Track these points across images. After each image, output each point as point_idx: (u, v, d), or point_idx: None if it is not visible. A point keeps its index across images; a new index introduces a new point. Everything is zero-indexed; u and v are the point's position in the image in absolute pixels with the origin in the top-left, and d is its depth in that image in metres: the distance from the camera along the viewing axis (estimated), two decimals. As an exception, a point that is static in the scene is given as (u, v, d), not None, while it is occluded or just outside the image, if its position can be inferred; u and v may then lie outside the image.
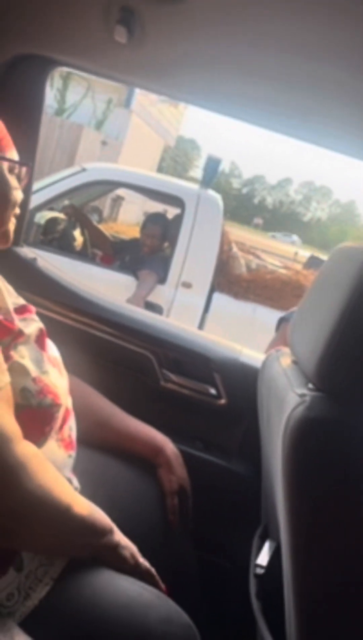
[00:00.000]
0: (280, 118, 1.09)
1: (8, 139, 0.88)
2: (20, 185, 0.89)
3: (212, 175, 3.68)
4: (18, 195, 0.89)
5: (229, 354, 1.40)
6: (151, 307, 3.36)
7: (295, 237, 39.86)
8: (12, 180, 0.87)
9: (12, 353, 0.79)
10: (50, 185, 3.40)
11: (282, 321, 2.47)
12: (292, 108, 1.05)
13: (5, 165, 0.86)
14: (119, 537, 0.86)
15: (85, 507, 0.80)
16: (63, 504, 0.75)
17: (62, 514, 0.75)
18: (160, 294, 3.48)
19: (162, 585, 0.89)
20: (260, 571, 0.95)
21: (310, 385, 0.81)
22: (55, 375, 0.86)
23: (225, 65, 0.96)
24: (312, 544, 0.75)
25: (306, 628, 0.77)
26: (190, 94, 1.14)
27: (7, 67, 1.17)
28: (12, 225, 0.89)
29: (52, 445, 0.84)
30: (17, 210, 0.90)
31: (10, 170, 0.87)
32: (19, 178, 0.89)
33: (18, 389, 0.77)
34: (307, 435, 0.72)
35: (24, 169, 0.90)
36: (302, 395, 0.76)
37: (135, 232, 5.52)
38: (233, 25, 0.82)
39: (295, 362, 0.96)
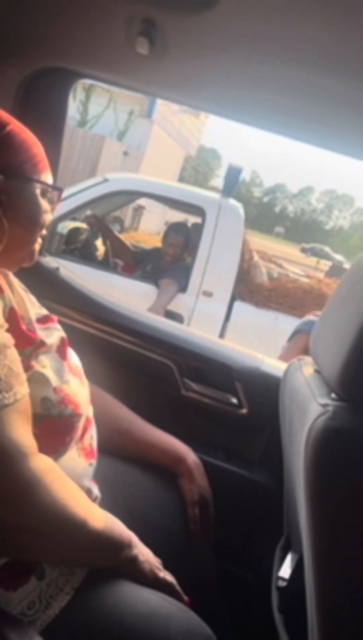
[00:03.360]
0: (301, 126, 1.09)
1: (45, 163, 0.88)
2: (51, 208, 0.90)
3: (233, 184, 3.69)
4: (48, 218, 0.89)
5: (251, 362, 1.39)
6: (172, 316, 3.37)
7: (327, 249, 37.09)
8: (44, 204, 0.87)
9: (34, 363, 0.79)
10: (73, 195, 3.44)
11: (296, 333, 2.44)
12: (311, 116, 1.05)
13: (39, 188, 0.87)
14: (139, 550, 0.86)
15: (102, 521, 0.80)
16: (79, 519, 0.75)
17: (77, 529, 0.75)
18: (181, 303, 3.48)
19: (184, 597, 0.88)
20: (282, 584, 0.94)
21: (333, 395, 0.80)
22: (76, 384, 0.86)
23: (245, 75, 0.96)
24: (335, 556, 0.74)
25: (329, 642, 0.75)
26: (211, 104, 1.14)
27: (30, 80, 1.19)
28: (37, 245, 0.90)
29: (72, 454, 0.85)
30: (44, 232, 0.91)
31: (43, 194, 0.87)
32: (51, 202, 0.90)
33: (39, 398, 0.78)
34: (329, 446, 0.71)
35: (56, 193, 0.91)
36: (324, 405, 0.75)
37: (156, 242, 5.54)
38: (254, 35, 0.82)
39: (317, 372, 0.95)
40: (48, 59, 1.14)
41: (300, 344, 2.41)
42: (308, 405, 0.80)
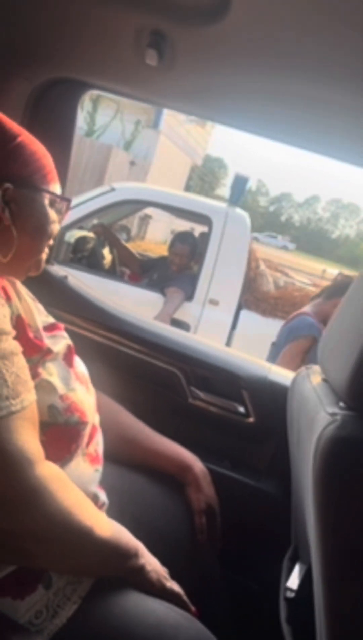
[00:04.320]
0: (305, 135, 1.10)
1: (54, 174, 0.89)
2: (59, 219, 0.91)
3: (240, 193, 3.70)
4: (55, 228, 0.90)
5: (258, 371, 1.39)
6: (178, 324, 3.37)
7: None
8: (52, 214, 0.88)
9: (40, 370, 0.80)
10: (80, 204, 3.46)
11: (296, 337, 2.39)
12: (315, 125, 1.05)
13: (47, 198, 0.88)
14: (146, 559, 0.85)
15: (109, 529, 0.80)
16: (85, 527, 0.74)
17: (83, 537, 0.75)
18: (188, 312, 3.48)
19: (192, 608, 0.88)
20: (290, 595, 0.93)
21: (341, 404, 0.79)
22: (82, 392, 0.87)
23: (251, 85, 0.97)
24: (344, 567, 0.73)
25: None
26: (218, 114, 1.15)
27: (40, 91, 1.21)
28: (44, 255, 0.91)
29: (78, 460, 0.84)
30: (52, 242, 0.92)
31: (52, 204, 0.88)
32: (59, 212, 0.91)
33: (45, 406, 0.78)
34: (338, 455, 0.70)
35: (64, 204, 0.92)
36: (333, 414, 0.75)
37: (162, 250, 5.55)
38: (260, 47, 0.83)
39: (325, 380, 0.95)
40: (58, 70, 1.16)
41: (301, 347, 2.38)
42: (317, 414, 0.80)
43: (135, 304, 3.29)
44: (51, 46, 1.09)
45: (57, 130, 1.25)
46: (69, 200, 0.93)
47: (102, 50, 1.01)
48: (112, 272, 3.80)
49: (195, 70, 0.96)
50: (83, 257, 3.71)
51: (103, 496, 0.90)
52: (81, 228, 3.83)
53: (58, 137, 1.24)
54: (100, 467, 0.90)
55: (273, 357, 2.46)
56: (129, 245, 4.38)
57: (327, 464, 0.71)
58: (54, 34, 1.03)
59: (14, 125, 0.85)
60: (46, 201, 0.87)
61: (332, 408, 0.77)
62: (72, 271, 1.56)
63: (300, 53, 0.78)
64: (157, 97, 1.19)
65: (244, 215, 3.67)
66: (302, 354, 2.37)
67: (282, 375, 1.39)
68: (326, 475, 0.71)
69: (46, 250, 0.91)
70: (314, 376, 1.00)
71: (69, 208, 0.94)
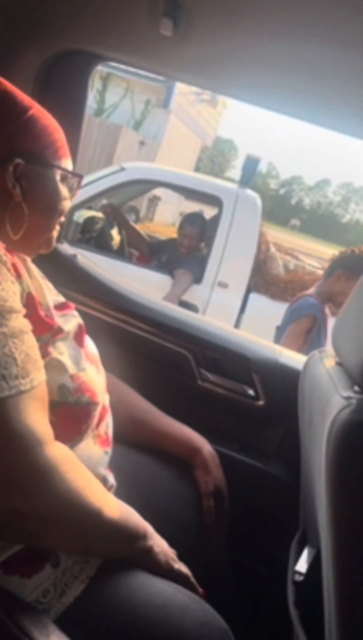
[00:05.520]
0: (327, 112, 1.07)
1: (66, 149, 0.87)
2: (70, 195, 0.89)
3: (251, 175, 3.65)
4: (67, 205, 0.88)
5: (268, 354, 1.37)
6: (186, 306, 3.35)
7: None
8: (63, 190, 0.87)
9: (51, 349, 0.78)
10: (89, 184, 3.42)
11: (298, 317, 2.38)
12: (337, 102, 1.02)
13: (58, 174, 0.86)
14: (154, 541, 0.85)
15: (118, 511, 0.79)
16: (93, 508, 0.74)
17: (92, 519, 0.74)
18: (196, 294, 3.46)
19: (199, 589, 0.88)
20: (299, 578, 0.92)
21: (356, 388, 0.78)
22: (92, 372, 0.85)
23: (271, 58, 0.94)
24: (355, 551, 0.72)
25: (348, 638, 0.74)
26: (234, 87, 1.12)
27: (51, 63, 1.18)
28: (55, 232, 0.89)
29: (88, 442, 0.84)
30: (63, 219, 0.90)
31: (63, 180, 0.87)
32: (70, 188, 0.89)
33: (55, 386, 0.77)
34: (353, 439, 0.69)
35: (76, 180, 0.89)
36: (347, 398, 0.73)
37: (170, 232, 5.51)
38: (279, 12, 0.80)
39: (339, 364, 0.93)
40: (68, 41, 1.13)
41: (302, 327, 2.37)
42: (331, 398, 0.79)
43: (143, 286, 3.27)
44: (61, 16, 1.06)
45: (68, 104, 1.22)
46: (81, 176, 0.91)
47: (115, 20, 0.98)
48: (120, 253, 3.78)
49: (210, 40, 0.93)
50: (91, 237, 3.69)
51: (111, 479, 0.90)
52: (90, 208, 3.80)
53: (69, 111, 1.21)
54: (109, 450, 0.89)
55: (277, 341, 2.45)
56: (138, 227, 4.35)
57: (341, 448, 0.70)
58: (64, 3, 1.00)
59: (25, 98, 0.83)
60: (57, 177, 0.86)
61: (346, 392, 0.76)
62: (80, 251, 1.54)
63: (321, 19, 0.75)
64: (170, 69, 1.15)
65: (255, 196, 3.63)
66: (304, 334, 2.36)
67: (293, 358, 1.38)
68: (340, 459, 0.70)
69: (57, 227, 0.89)
70: (327, 359, 0.98)
71: (81, 185, 0.92)
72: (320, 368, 0.96)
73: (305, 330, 2.36)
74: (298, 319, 2.38)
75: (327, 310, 2.49)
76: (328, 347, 1.03)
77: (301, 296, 2.50)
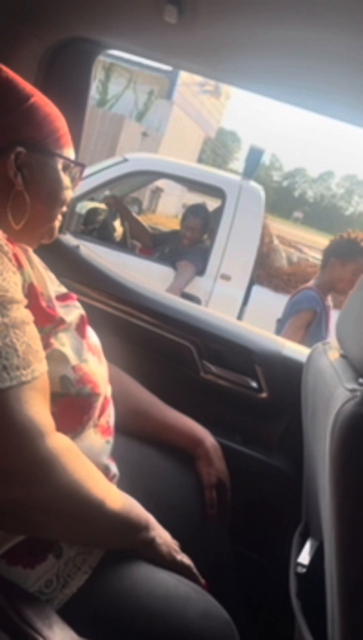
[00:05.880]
0: (333, 101, 1.05)
1: (68, 137, 0.87)
2: (72, 185, 0.88)
3: (254, 166, 3.63)
4: (68, 195, 0.88)
5: (272, 346, 1.37)
6: (188, 298, 3.34)
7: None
8: (65, 179, 0.86)
9: (53, 340, 0.78)
10: (92, 175, 3.41)
11: (298, 310, 2.38)
12: (344, 91, 1.01)
13: (60, 163, 0.85)
14: (156, 532, 0.85)
15: (120, 502, 0.79)
16: (95, 500, 0.73)
17: (94, 510, 0.74)
18: (199, 286, 3.45)
19: (202, 580, 0.88)
20: (301, 570, 0.92)
21: (361, 380, 0.77)
22: (94, 363, 0.85)
23: (276, 45, 0.92)
24: (359, 544, 0.72)
25: (351, 630, 0.74)
26: (240, 76, 1.11)
27: (54, 51, 1.16)
28: (57, 222, 0.89)
29: (89, 432, 0.83)
30: (65, 209, 0.89)
31: (65, 169, 0.86)
32: (72, 178, 0.88)
33: (57, 377, 0.76)
34: (357, 431, 0.69)
35: (78, 169, 0.89)
36: (352, 390, 0.73)
37: (173, 224, 5.49)
38: (285, 3, 0.78)
39: (343, 356, 0.93)
40: (72, 28, 1.11)
41: (302, 320, 2.36)
42: (335, 390, 0.78)
43: (145, 278, 3.26)
44: (65, 3, 1.05)
45: (71, 93, 1.21)
46: (83, 166, 0.90)
47: (119, 8, 0.97)
48: (123, 245, 3.77)
49: (214, 28, 0.91)
50: (94, 229, 3.67)
51: (114, 468, 0.90)
52: (92, 199, 3.78)
53: (72, 99, 1.20)
54: (111, 439, 0.89)
55: (278, 334, 2.44)
56: (140, 219, 4.34)
57: (345, 440, 0.69)
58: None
59: (27, 86, 0.82)
60: (60, 166, 0.85)
61: (351, 384, 0.76)
62: (82, 243, 1.53)
63: (329, 5, 0.74)
64: (174, 57, 1.14)
65: (258, 188, 3.61)
66: (303, 328, 2.36)
67: (296, 350, 1.37)
68: (344, 452, 0.70)
69: (59, 217, 0.89)
70: (332, 352, 0.98)
71: (83, 175, 0.91)
72: (324, 360, 0.96)
73: (305, 323, 2.36)
74: (298, 312, 2.37)
75: (329, 302, 2.48)
76: (332, 339, 1.03)
77: (301, 289, 2.49)
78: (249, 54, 0.97)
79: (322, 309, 2.39)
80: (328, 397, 0.80)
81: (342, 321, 0.93)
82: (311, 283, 2.49)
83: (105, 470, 0.86)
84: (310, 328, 2.37)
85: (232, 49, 0.98)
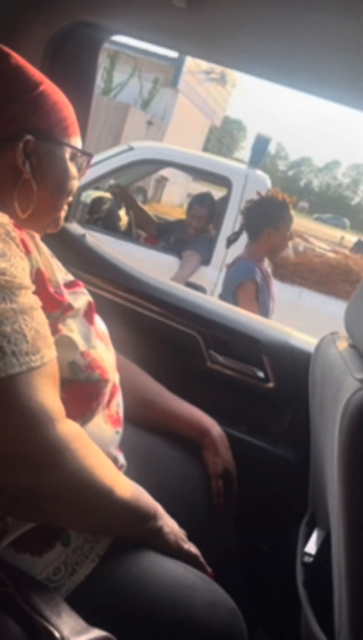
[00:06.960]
0: (342, 87, 1.04)
1: (75, 126, 0.86)
2: (79, 175, 0.88)
3: (261, 155, 3.60)
4: (75, 184, 0.87)
5: (279, 336, 1.36)
6: (193, 288, 3.31)
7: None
8: (72, 169, 0.86)
9: (61, 326, 0.77)
10: (97, 163, 3.39)
11: (240, 283, 2.33)
12: (351, 75, 0.99)
13: (68, 152, 0.84)
14: (164, 521, 0.85)
15: (129, 490, 0.79)
16: (105, 487, 0.73)
17: (103, 497, 0.74)
18: (204, 276, 3.44)
19: (208, 569, 0.88)
20: (308, 560, 0.92)
21: (370, 370, 0.77)
22: (102, 349, 0.85)
23: (285, 29, 0.91)
24: None
25: (358, 619, 0.74)
26: (248, 61, 1.09)
27: (60, 36, 1.15)
28: (63, 212, 0.89)
29: (99, 420, 0.83)
30: (71, 198, 0.88)
31: (72, 158, 0.85)
32: (79, 167, 0.88)
33: (66, 363, 0.76)
34: None
35: (85, 159, 0.88)
36: (361, 380, 0.72)
37: (178, 214, 5.47)
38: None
39: (352, 346, 0.92)
40: (78, 13, 1.10)
41: (250, 294, 2.33)
42: (344, 380, 0.78)
43: (150, 267, 3.25)
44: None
45: (77, 79, 1.19)
46: (90, 155, 0.89)
47: (126, -9, 0.96)
48: (128, 234, 3.76)
49: (223, 12, 0.89)
50: (99, 218, 3.66)
51: (122, 458, 0.90)
52: (97, 188, 3.77)
53: (78, 86, 1.18)
54: (120, 430, 0.89)
55: None
56: (145, 208, 4.32)
57: (354, 430, 0.69)
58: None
59: (35, 73, 0.81)
60: (67, 155, 0.84)
61: (360, 374, 0.75)
62: (87, 232, 1.52)
63: None
64: (182, 42, 1.12)
65: (265, 177, 3.58)
66: (255, 300, 2.32)
67: (303, 340, 1.37)
68: (353, 442, 0.69)
69: (65, 207, 0.88)
70: (340, 342, 0.97)
71: (90, 164, 0.91)
72: (332, 350, 0.95)
73: (254, 295, 2.31)
74: (243, 285, 2.32)
75: (267, 267, 2.45)
76: (341, 329, 1.02)
77: (236, 261, 2.45)
78: (259, 38, 0.95)
79: (261, 277, 2.36)
80: (337, 387, 0.80)
81: (351, 311, 0.92)
82: (243, 252, 2.46)
83: (114, 461, 0.85)
84: (259, 299, 2.33)
85: (240, 33, 0.96)
